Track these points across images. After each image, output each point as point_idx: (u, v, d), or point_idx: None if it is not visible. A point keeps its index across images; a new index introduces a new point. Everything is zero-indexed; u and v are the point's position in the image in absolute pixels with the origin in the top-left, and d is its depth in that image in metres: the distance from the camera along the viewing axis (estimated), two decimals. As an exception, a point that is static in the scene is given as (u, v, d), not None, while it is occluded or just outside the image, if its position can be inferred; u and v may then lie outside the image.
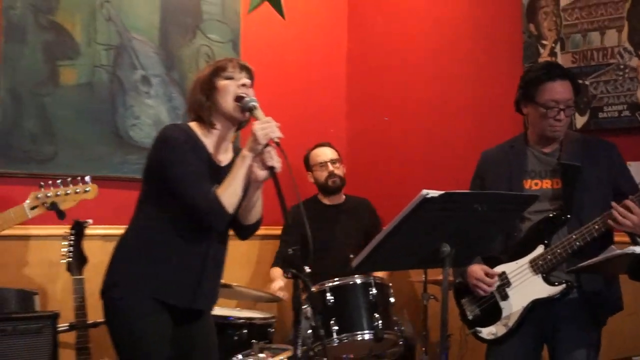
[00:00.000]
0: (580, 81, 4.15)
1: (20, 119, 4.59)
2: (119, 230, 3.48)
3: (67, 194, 3.20)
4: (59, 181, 3.18)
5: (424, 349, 4.51)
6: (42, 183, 3.69)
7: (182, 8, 5.19)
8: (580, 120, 4.67)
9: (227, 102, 3.29)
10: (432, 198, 2.84)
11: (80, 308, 4.20)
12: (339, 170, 5.30)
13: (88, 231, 4.37)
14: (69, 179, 3.28)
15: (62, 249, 4.32)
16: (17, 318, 4.17)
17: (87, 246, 4.37)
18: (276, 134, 3.16)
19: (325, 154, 5.31)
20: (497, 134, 4.39)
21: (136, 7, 5.00)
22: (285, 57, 5.67)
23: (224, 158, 3.40)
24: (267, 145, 3.15)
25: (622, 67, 4.58)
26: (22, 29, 4.60)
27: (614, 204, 3.43)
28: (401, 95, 5.64)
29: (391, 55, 5.71)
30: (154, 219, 3.31)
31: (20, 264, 4.61)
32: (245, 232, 3.46)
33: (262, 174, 3.22)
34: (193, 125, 3.36)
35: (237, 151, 3.42)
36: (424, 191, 2.85)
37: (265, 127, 3.16)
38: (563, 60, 4.76)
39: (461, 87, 5.32)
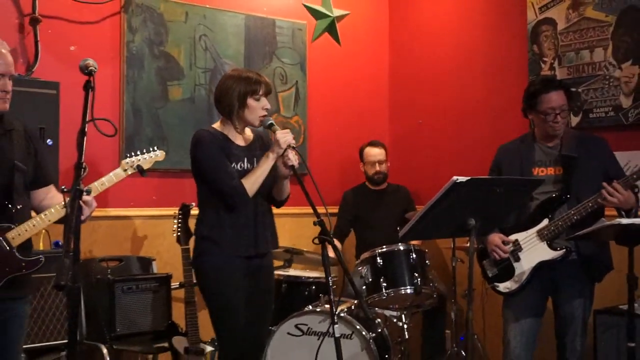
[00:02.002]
0: (573, 89, 4.11)
1: (140, 127, 4.71)
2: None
3: (145, 159, 3.38)
4: (138, 152, 3.37)
5: (453, 300, 4.53)
6: (127, 154, 3.77)
7: (261, 39, 5.22)
8: (574, 120, 4.64)
9: (252, 119, 3.43)
10: (461, 182, 2.89)
11: (188, 271, 4.24)
12: (384, 168, 5.26)
13: (192, 212, 4.46)
14: (144, 150, 3.47)
15: (173, 226, 4.42)
16: (140, 279, 4.33)
17: (191, 223, 4.46)
18: (293, 141, 3.32)
19: (375, 154, 5.24)
20: (508, 132, 4.36)
21: (226, 39, 5.07)
22: (340, 73, 5.67)
23: (243, 140, 3.51)
24: (286, 149, 3.28)
25: (607, 77, 4.54)
26: (140, 58, 4.71)
27: (604, 184, 3.41)
28: (432, 103, 5.61)
29: (424, 71, 5.68)
30: (211, 201, 3.44)
31: (142, 237, 4.72)
32: (280, 204, 3.60)
33: (285, 171, 3.37)
34: (218, 126, 3.50)
35: (254, 132, 3.57)
36: (455, 177, 2.89)
37: (285, 135, 3.31)
38: (560, 73, 4.73)
39: (479, 95, 5.29)
